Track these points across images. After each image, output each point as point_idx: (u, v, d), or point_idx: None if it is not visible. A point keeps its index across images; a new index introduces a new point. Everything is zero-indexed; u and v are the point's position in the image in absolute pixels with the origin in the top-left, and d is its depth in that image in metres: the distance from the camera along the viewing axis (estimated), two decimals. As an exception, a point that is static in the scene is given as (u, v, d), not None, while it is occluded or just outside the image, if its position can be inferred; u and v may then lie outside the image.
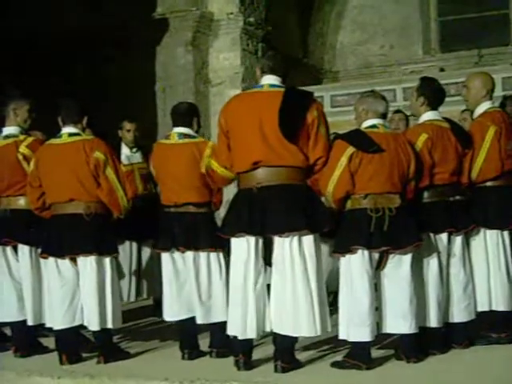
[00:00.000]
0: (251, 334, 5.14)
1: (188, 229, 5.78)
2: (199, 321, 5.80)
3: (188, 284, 5.85)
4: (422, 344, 5.35)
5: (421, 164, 5.43)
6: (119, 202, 5.80)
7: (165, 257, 5.93)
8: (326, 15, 15.43)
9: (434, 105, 5.69)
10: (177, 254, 5.88)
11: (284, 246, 5.10)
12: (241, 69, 11.37)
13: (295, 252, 5.08)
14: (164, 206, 5.98)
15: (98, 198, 5.74)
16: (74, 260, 5.74)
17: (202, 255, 5.80)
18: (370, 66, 15.04)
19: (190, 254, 5.80)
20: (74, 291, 5.77)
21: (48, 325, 6.00)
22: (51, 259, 5.80)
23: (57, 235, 5.75)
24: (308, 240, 5.12)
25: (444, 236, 5.53)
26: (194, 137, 5.99)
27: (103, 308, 5.68)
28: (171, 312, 5.93)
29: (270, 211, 5.08)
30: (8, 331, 6.52)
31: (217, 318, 5.73)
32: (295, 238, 5.08)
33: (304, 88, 5.84)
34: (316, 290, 5.08)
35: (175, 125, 6.02)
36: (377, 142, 5.22)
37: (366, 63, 15.16)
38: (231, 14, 11.55)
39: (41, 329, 6.34)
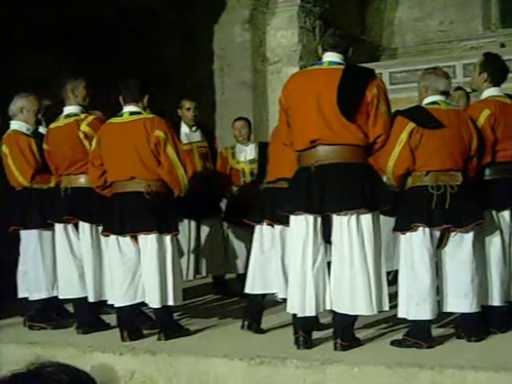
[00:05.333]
0: (310, 311, 5.15)
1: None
2: (282, 295, 5.81)
3: (273, 259, 5.92)
4: (483, 323, 5.30)
5: (483, 141, 5.35)
6: (179, 180, 5.82)
7: (258, 230, 6.05)
8: (384, -9, 15.26)
9: (496, 81, 5.61)
10: (265, 228, 5.96)
11: (342, 225, 5.08)
12: (298, 46, 11.29)
13: (353, 230, 5.06)
14: (268, 182, 6.08)
15: (159, 177, 5.78)
16: (135, 238, 5.80)
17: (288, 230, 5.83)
18: (428, 43, 14.82)
19: (278, 228, 5.82)
20: (136, 269, 5.82)
21: (109, 302, 6.08)
22: (113, 237, 5.85)
23: (118, 213, 5.80)
24: (366, 218, 5.09)
25: (506, 213, 5.47)
26: None
27: (164, 285, 5.73)
28: (252, 285, 6.01)
29: (328, 189, 5.06)
30: (70, 308, 6.63)
31: None
32: (353, 217, 5.06)
33: (362, 65, 5.79)
34: (373, 269, 5.06)
35: None
36: (438, 119, 5.17)
37: (424, 39, 14.94)
38: (288, -9, 11.47)
39: (103, 306, 6.42)
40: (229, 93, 10.79)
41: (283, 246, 5.81)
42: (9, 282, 6.87)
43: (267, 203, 5.91)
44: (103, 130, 5.97)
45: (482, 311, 5.28)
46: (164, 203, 5.83)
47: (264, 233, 6.02)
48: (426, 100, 5.34)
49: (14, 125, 6.66)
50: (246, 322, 5.91)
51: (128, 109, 5.89)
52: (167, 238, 5.78)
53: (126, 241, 5.82)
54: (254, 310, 5.99)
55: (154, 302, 5.74)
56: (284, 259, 5.79)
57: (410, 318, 5.17)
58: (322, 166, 5.09)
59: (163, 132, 5.76)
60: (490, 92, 5.60)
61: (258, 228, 6.07)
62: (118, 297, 5.86)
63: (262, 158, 7.32)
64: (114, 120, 5.95)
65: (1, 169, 6.72)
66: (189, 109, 7.86)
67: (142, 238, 5.76)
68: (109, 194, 5.95)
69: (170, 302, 5.76)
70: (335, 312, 5.15)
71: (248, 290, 6.07)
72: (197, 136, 7.90)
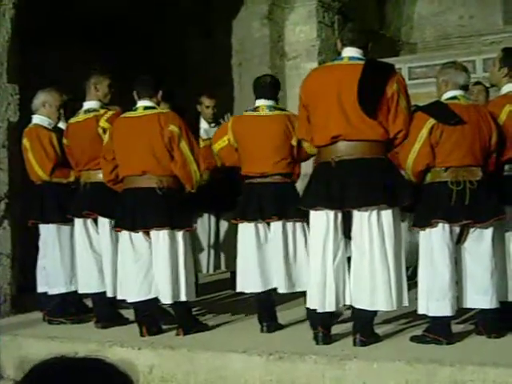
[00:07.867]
0: (330, 307, 5.14)
1: (276, 199, 5.75)
2: (282, 290, 5.79)
3: (269, 255, 5.85)
4: (503, 319, 5.27)
5: (503, 136, 5.32)
6: (192, 175, 5.79)
7: (248, 228, 5.88)
8: (403, -14, 15.19)
9: (516, 76, 5.57)
10: (261, 225, 5.88)
11: (362, 220, 5.07)
12: (317, 42, 11.25)
13: (373, 226, 5.04)
14: (246, 177, 5.95)
15: (171, 172, 5.76)
16: (147, 233, 5.78)
17: (289, 225, 5.79)
18: (448, 37, 14.74)
19: (278, 224, 5.76)
20: (149, 264, 5.80)
21: (119, 297, 6.03)
22: (125, 233, 5.84)
23: (130, 209, 5.79)
24: (387, 214, 5.08)
25: (527, 209, 5.42)
26: (283, 109, 5.99)
27: (175, 281, 5.70)
28: (250, 284, 5.90)
29: (349, 185, 5.05)
30: (89, 303, 6.64)
31: (300, 288, 5.72)
32: (374, 212, 5.04)
33: (382, 60, 5.76)
34: (393, 265, 5.05)
35: (261, 97, 5.96)
36: (458, 114, 5.14)
37: (444, 34, 14.86)
38: (307, -14, 11.43)
39: (122, 300, 6.42)
40: (247, 88, 10.77)
41: (284, 240, 5.76)
42: (28, 276, 6.90)
43: (260, 200, 5.82)
44: (116, 123, 5.96)
45: (502, 307, 5.25)
46: (176, 199, 5.79)
47: (260, 229, 5.89)
48: (446, 95, 5.30)
49: (36, 119, 6.68)
50: (264, 324, 5.82)
51: (142, 103, 5.89)
52: (179, 234, 5.75)
53: (138, 236, 5.80)
54: (266, 309, 5.90)
55: (166, 298, 5.73)
56: (288, 253, 5.76)
57: (430, 314, 5.15)
58: (342, 161, 5.08)
59: (177, 127, 5.75)
60: (509, 87, 5.56)
61: (252, 225, 5.88)
62: (131, 292, 5.84)
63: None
64: (127, 114, 5.95)
65: (21, 162, 6.75)
66: (208, 107, 7.81)
67: (154, 233, 5.74)
68: (120, 189, 5.95)
69: (183, 298, 5.74)
70: (355, 307, 5.14)
71: (255, 288, 5.90)
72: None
